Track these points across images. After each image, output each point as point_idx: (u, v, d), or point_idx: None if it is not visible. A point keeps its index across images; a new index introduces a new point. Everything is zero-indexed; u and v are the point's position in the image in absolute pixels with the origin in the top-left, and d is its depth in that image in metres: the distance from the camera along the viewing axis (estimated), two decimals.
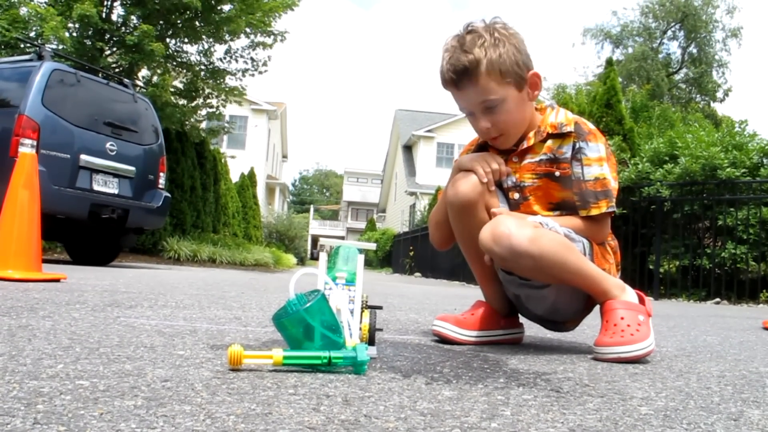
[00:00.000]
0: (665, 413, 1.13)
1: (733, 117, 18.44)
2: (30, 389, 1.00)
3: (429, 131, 34.54)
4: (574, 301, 1.98)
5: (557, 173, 1.92)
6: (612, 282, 1.88)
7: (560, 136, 1.92)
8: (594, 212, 1.90)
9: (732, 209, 8.45)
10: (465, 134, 33.47)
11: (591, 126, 1.96)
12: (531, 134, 1.95)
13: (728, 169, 8.42)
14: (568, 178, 1.91)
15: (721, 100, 34.39)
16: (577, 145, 1.90)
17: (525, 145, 1.94)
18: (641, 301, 1.88)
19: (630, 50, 34.42)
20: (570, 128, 1.91)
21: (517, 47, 1.85)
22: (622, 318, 1.80)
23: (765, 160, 8.87)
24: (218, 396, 1.04)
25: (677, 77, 35.32)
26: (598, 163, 1.90)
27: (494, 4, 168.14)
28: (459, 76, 1.84)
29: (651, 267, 9.01)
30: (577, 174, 1.90)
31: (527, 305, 2.00)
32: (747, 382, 1.55)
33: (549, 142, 1.93)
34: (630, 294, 1.88)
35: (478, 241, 1.83)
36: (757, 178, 8.50)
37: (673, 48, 35.94)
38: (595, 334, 1.88)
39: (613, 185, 1.93)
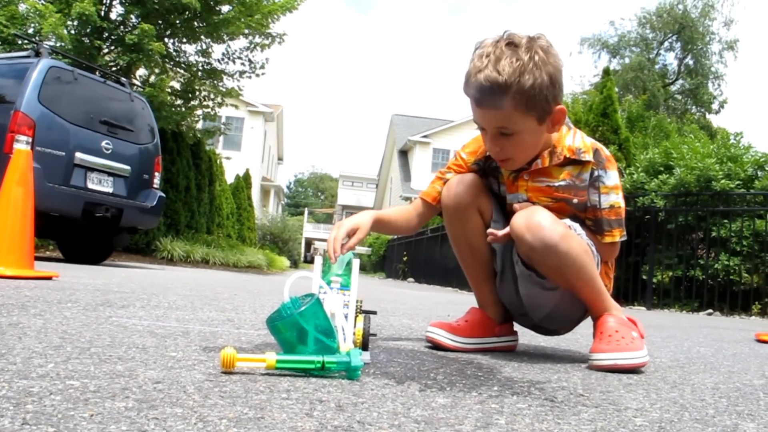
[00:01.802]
0: (660, 425, 1.12)
1: (729, 129, 18.49)
2: (19, 389, 0.99)
3: (425, 137, 34.56)
4: (572, 311, 1.99)
5: (575, 200, 1.91)
6: (611, 301, 1.93)
7: (579, 163, 1.90)
8: (608, 240, 1.94)
9: (726, 221, 8.47)
10: (461, 140, 33.38)
11: (607, 152, 1.95)
12: (546, 154, 1.89)
13: (723, 181, 8.44)
14: (584, 203, 1.92)
15: (717, 112, 34.53)
16: (596, 173, 1.90)
17: (539, 165, 1.89)
18: (634, 324, 1.89)
19: (627, 60, 34.53)
20: (589, 156, 1.89)
21: (551, 78, 1.72)
22: (617, 331, 1.83)
23: (759, 173, 8.90)
24: (210, 399, 1.03)
25: (673, 88, 35.44)
26: (615, 191, 1.93)
27: (491, 11, 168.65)
28: (482, 95, 1.73)
29: (644, 277, 9.02)
30: (593, 201, 1.91)
31: (528, 309, 1.99)
32: (741, 395, 1.54)
33: (568, 168, 1.90)
34: (623, 315, 1.91)
35: (510, 227, 1.82)
36: (751, 191, 8.53)
37: (670, 59, 35.94)
38: (589, 343, 1.89)
39: (624, 209, 1.96)
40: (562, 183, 1.90)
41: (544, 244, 1.74)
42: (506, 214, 2.00)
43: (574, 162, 1.90)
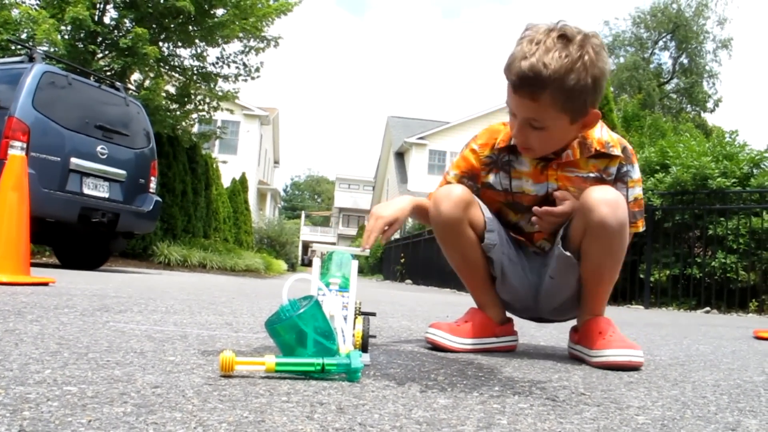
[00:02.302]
0: (663, 423, 1.11)
1: (724, 127, 18.53)
2: (16, 395, 0.98)
3: (421, 138, 34.56)
4: (574, 306, 2.03)
5: None
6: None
7: (607, 156, 1.92)
8: (632, 231, 1.97)
9: (722, 219, 8.49)
10: (457, 142, 33.51)
11: (630, 147, 1.99)
12: (576, 145, 1.89)
13: (719, 179, 8.46)
14: None
15: (712, 111, 34.64)
16: (624, 168, 1.94)
17: (570, 156, 1.90)
18: None
19: (622, 60, 34.62)
20: (618, 152, 1.92)
21: (595, 81, 1.69)
22: (615, 331, 1.87)
23: (755, 170, 8.92)
24: (210, 403, 1.02)
25: (668, 87, 35.55)
26: (638, 184, 1.99)
27: (485, 12, 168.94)
28: (522, 83, 1.69)
29: (642, 276, 9.03)
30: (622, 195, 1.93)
31: (543, 298, 2.02)
32: (742, 392, 1.54)
33: (595, 161, 1.92)
34: None
35: (583, 199, 1.81)
36: (747, 188, 8.54)
37: (665, 58, 36.15)
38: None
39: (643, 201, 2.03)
40: (591, 175, 1.92)
41: (619, 222, 1.78)
42: (499, 217, 2.01)
43: (602, 155, 1.91)
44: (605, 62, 1.73)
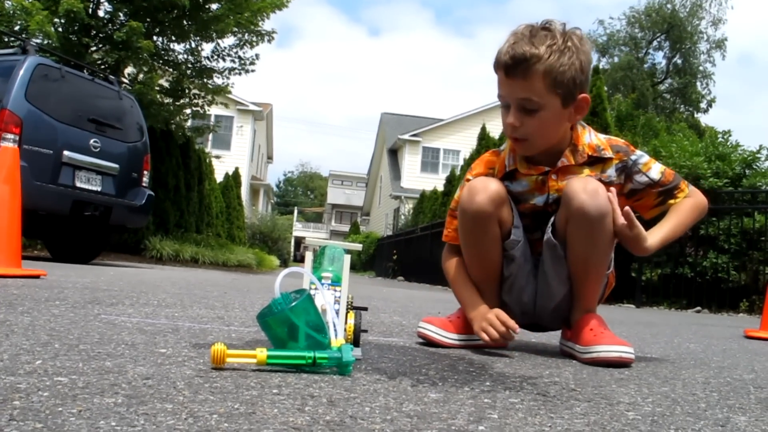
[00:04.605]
0: (653, 418, 1.12)
1: (717, 127, 18.62)
2: (6, 385, 0.97)
3: (415, 135, 34.51)
4: (567, 309, 2.02)
5: None
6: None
7: (600, 160, 1.94)
8: (681, 196, 1.99)
9: (714, 219, 8.52)
10: (451, 139, 33.55)
11: (621, 140, 2.02)
12: (568, 152, 1.92)
13: (711, 179, 8.50)
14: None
15: (705, 111, 34.73)
16: (629, 162, 1.96)
17: (565, 162, 1.92)
18: None
19: (616, 59, 34.64)
20: (609, 153, 1.94)
21: (582, 64, 1.80)
22: (606, 329, 1.88)
23: (747, 171, 8.96)
24: (201, 395, 1.01)
25: (662, 87, 35.61)
26: (654, 162, 2.00)
27: (479, 11, 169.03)
28: (514, 63, 1.77)
29: (634, 275, 9.06)
30: (646, 181, 1.97)
31: (541, 294, 2.01)
32: (732, 389, 1.55)
33: (590, 167, 1.93)
34: None
35: (565, 190, 1.85)
36: (739, 189, 8.58)
37: (659, 58, 36.10)
38: None
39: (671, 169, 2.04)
40: None
41: (599, 209, 1.79)
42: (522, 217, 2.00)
43: (595, 160, 1.93)
44: (588, 52, 1.83)
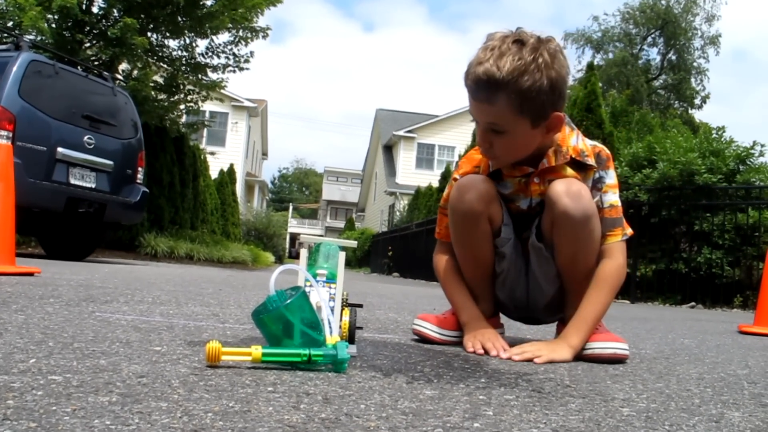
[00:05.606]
0: (647, 414, 1.12)
1: (711, 123, 18.66)
2: (0, 384, 0.97)
3: (410, 131, 34.52)
4: (562, 305, 2.01)
5: None
6: None
7: (582, 166, 1.89)
8: (610, 241, 1.90)
9: (708, 215, 8.55)
10: (446, 135, 33.56)
11: (607, 151, 1.97)
12: (551, 153, 1.87)
13: (705, 175, 8.52)
14: None
15: (699, 107, 34.81)
16: (598, 175, 1.91)
17: (546, 164, 1.87)
18: None
19: (611, 56, 34.68)
20: (592, 161, 1.90)
21: (552, 83, 1.69)
22: (598, 326, 1.88)
23: (741, 167, 8.99)
24: (195, 393, 1.01)
25: (656, 83, 35.67)
26: (613, 190, 1.93)
27: (472, 6, 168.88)
28: (477, 88, 1.72)
29: (628, 270, 9.08)
30: (597, 201, 1.89)
31: (533, 291, 2.00)
32: (726, 385, 1.55)
33: (574, 170, 1.88)
34: None
35: (548, 193, 1.82)
36: (733, 185, 8.61)
37: (653, 54, 36.12)
38: None
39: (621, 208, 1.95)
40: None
41: (583, 212, 1.77)
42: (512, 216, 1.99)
43: (578, 165, 1.89)
44: (562, 65, 1.73)
